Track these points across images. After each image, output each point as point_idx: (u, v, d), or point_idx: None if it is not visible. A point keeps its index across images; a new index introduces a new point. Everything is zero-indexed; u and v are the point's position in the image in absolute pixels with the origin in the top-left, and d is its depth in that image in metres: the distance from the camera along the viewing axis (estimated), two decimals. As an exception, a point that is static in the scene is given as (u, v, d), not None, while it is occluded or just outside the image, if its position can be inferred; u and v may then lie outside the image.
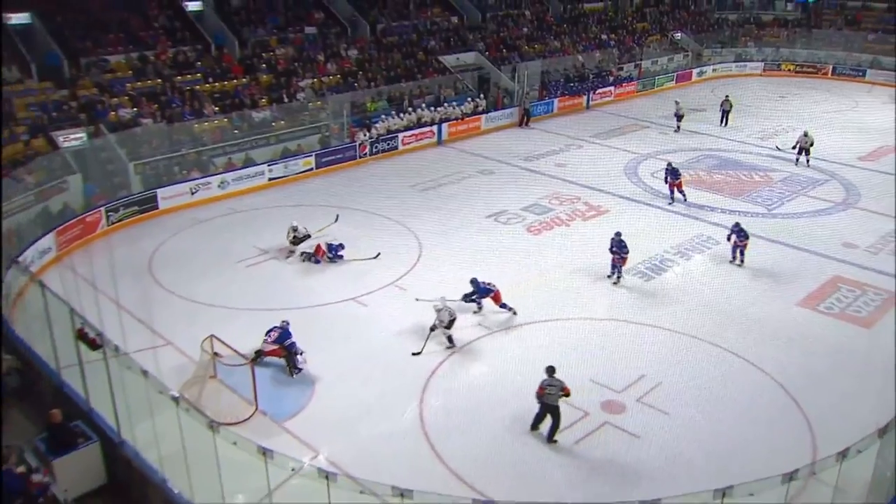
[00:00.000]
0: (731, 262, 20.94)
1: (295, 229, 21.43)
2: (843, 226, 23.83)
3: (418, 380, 15.59)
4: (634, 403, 14.91)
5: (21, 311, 17.36)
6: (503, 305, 18.03)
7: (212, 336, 15.11)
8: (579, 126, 35.37)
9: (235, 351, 15.02)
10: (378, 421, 14.33)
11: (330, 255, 20.73)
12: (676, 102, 35.42)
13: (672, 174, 25.57)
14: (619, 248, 19.71)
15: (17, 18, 28.19)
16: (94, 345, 13.09)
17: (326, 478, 9.55)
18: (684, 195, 25.64)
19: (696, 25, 49.99)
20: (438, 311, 16.72)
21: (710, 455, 13.52)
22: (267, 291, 19.21)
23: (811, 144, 27.71)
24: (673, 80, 44.51)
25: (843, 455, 9.85)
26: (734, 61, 47.89)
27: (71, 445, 12.72)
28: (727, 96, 34.78)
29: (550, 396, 13.50)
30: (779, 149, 28.40)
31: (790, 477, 9.60)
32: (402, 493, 9.35)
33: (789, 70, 47.04)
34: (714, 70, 46.79)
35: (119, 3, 32.11)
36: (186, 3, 33.07)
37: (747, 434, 14.10)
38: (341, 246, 21.09)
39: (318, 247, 20.88)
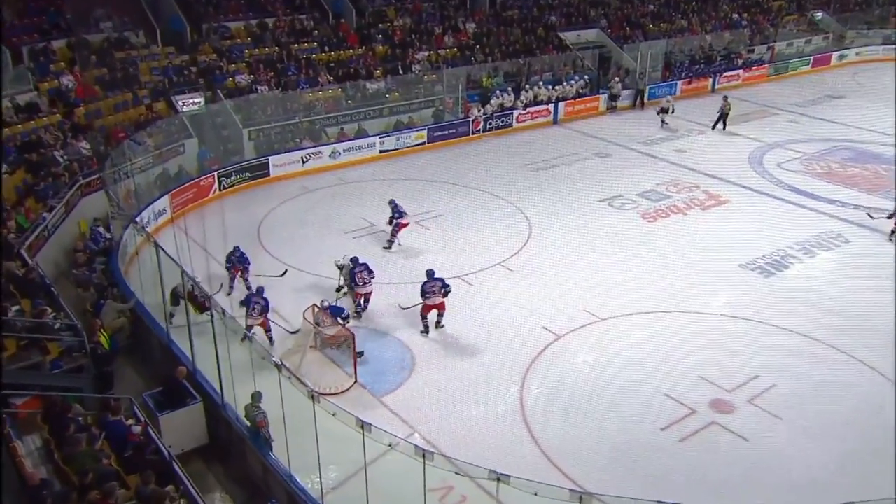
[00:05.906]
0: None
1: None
2: None
3: (519, 364, 15.55)
4: (745, 405, 14.46)
5: (135, 268, 18.23)
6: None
7: (314, 305, 15.49)
8: (703, 111, 34.21)
9: (338, 322, 15.36)
10: (477, 402, 14.42)
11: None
12: (668, 99, 33.36)
13: None
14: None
15: (146, -18, 29.29)
16: (202, 307, 13.68)
17: (423, 455, 9.59)
18: None
19: (839, 4, 47.13)
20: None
21: (823, 466, 12.98)
22: (372, 264, 19.37)
23: None
24: (809, 63, 42.22)
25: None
26: (881, 44, 44.32)
27: (181, 403, 13.23)
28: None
29: None
30: (871, 217, 22.87)
31: (908, 498, 9.24)
32: (499, 478, 9.34)
33: (951, 55, 42.77)
34: (857, 54, 43.84)
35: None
36: (307, -30, 33.62)
37: (865, 446, 13.42)
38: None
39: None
